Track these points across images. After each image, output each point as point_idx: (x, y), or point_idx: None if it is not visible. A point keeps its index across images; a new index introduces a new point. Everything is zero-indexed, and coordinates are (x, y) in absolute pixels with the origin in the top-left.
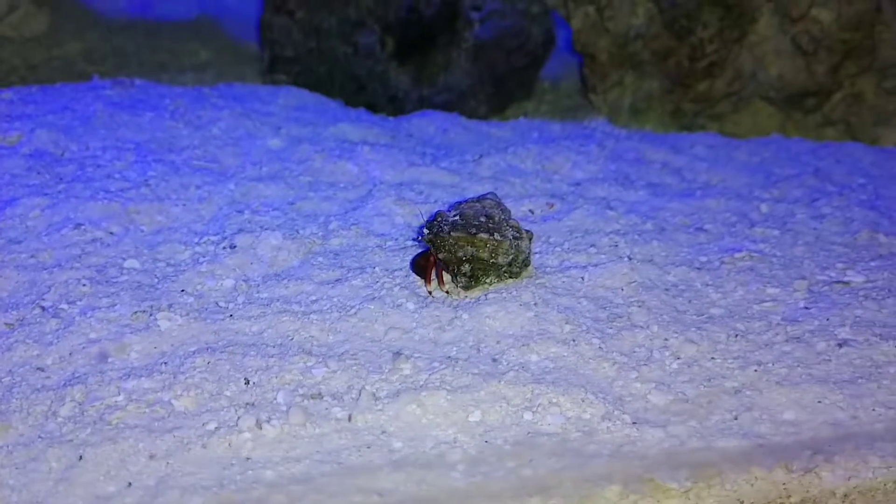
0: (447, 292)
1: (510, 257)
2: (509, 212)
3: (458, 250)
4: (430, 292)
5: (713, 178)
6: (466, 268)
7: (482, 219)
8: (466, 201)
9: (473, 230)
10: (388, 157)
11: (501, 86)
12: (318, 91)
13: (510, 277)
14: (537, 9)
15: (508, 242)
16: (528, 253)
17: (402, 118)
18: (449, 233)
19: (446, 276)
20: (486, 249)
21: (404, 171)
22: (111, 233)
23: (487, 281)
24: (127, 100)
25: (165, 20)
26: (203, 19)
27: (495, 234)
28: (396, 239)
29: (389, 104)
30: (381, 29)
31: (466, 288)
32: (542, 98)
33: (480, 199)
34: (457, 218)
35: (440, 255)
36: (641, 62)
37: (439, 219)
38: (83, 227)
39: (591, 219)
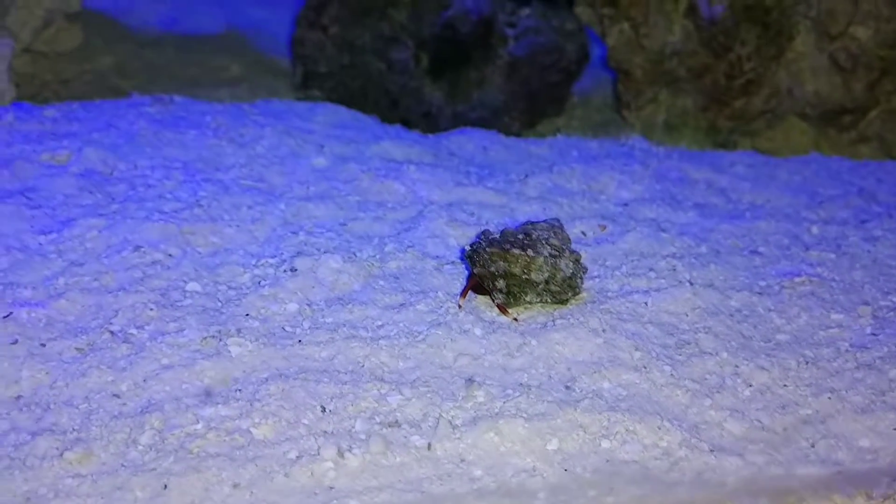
0: (515, 319)
1: (545, 275)
2: (567, 238)
3: (491, 265)
4: (459, 306)
5: (758, 199)
6: (501, 283)
7: (520, 236)
8: (521, 224)
9: (507, 245)
10: (434, 176)
11: (535, 102)
12: (352, 106)
13: (556, 302)
14: (572, 25)
15: (543, 259)
16: (573, 274)
17: (441, 136)
18: (485, 248)
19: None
20: (519, 265)
21: (451, 190)
22: (170, 255)
23: (527, 300)
24: (168, 117)
25: (194, 34)
26: (231, 33)
27: (528, 250)
28: (453, 262)
29: (423, 119)
30: (414, 45)
31: (503, 305)
32: (573, 113)
33: (535, 222)
34: (496, 235)
35: (475, 270)
36: (677, 79)
37: (482, 236)
38: (142, 249)
39: (646, 241)
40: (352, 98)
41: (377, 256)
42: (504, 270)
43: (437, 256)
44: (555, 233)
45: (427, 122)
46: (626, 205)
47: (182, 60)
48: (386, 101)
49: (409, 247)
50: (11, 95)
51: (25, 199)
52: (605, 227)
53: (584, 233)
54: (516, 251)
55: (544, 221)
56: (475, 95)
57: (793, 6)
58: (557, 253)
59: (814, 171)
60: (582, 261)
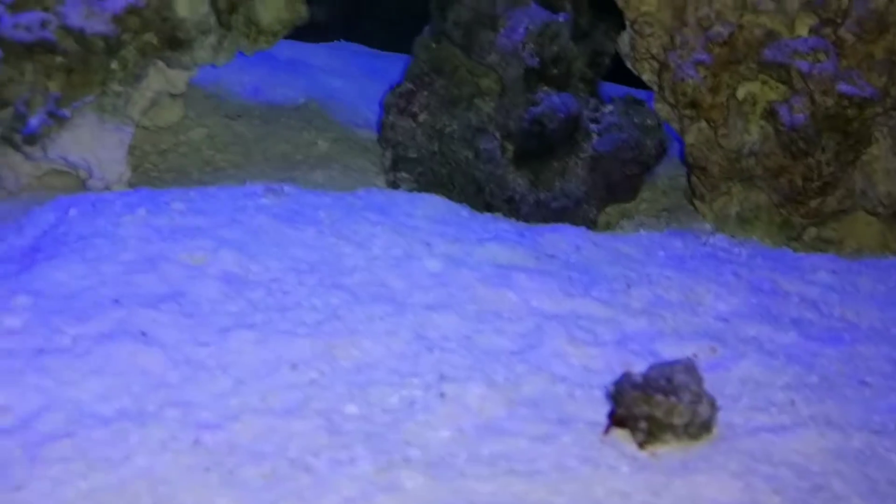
0: (653, 453)
1: (686, 419)
2: (701, 378)
3: (635, 408)
4: (601, 440)
5: (848, 312)
6: (643, 425)
7: (662, 381)
8: (659, 365)
9: (651, 391)
10: (542, 284)
11: (613, 192)
12: (439, 190)
13: (690, 439)
14: (651, 121)
15: (684, 406)
16: (710, 418)
17: (535, 233)
18: (629, 391)
19: (639, 436)
20: (661, 410)
21: (561, 301)
22: (322, 372)
23: (665, 438)
24: (284, 211)
25: (277, 104)
26: (311, 104)
27: (671, 396)
28: (582, 386)
29: (505, 204)
30: (501, 136)
31: (644, 442)
32: (641, 195)
33: (673, 364)
34: (639, 379)
35: (619, 411)
36: (752, 176)
37: (625, 378)
38: (298, 367)
39: (759, 369)
40: (439, 183)
41: (512, 379)
42: (647, 414)
43: (564, 378)
44: (692, 376)
45: (510, 207)
46: (726, 320)
47: (271, 134)
48: (472, 188)
49: (537, 368)
50: (128, 176)
51: (177, 305)
52: (716, 350)
53: (695, 354)
54: (660, 397)
55: (679, 363)
56: (557, 185)
57: (873, 117)
58: (697, 399)
59: None
60: (716, 403)
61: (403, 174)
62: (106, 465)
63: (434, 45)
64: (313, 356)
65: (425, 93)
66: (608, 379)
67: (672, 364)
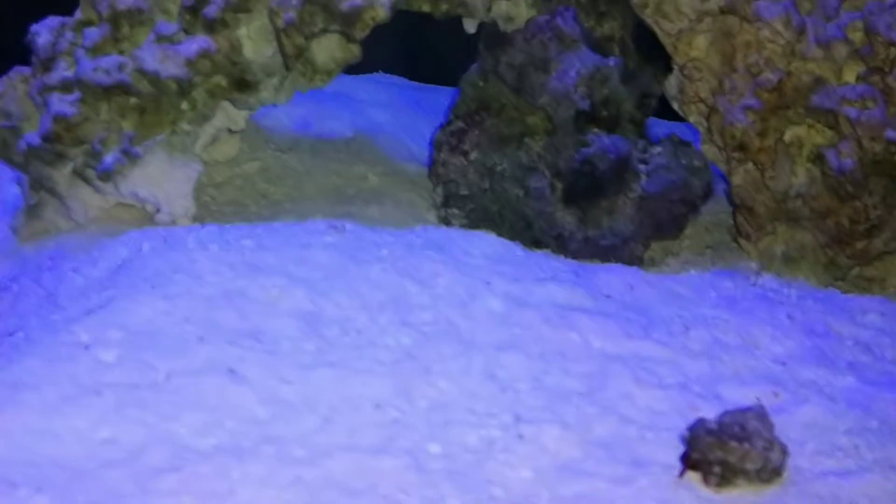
0: (718, 492)
1: (758, 465)
2: (771, 424)
3: (709, 453)
4: (679, 476)
5: None
6: (717, 469)
7: (736, 429)
8: (731, 411)
9: (725, 438)
10: (603, 326)
11: (659, 231)
12: (489, 226)
13: (762, 483)
14: (699, 162)
15: (757, 452)
16: (781, 464)
17: (590, 273)
18: (704, 437)
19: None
20: (735, 456)
21: (622, 343)
22: (403, 411)
23: (737, 483)
24: (347, 248)
25: (326, 137)
26: (360, 138)
27: (745, 443)
28: (651, 428)
29: (554, 241)
30: (551, 174)
31: (717, 486)
32: (683, 232)
33: (745, 410)
34: (714, 426)
35: (694, 455)
36: (798, 217)
37: (700, 424)
38: (381, 407)
39: (822, 414)
40: (489, 219)
41: (584, 420)
42: (721, 459)
43: (632, 421)
44: (764, 423)
45: (558, 243)
46: (784, 363)
47: (321, 168)
48: (521, 224)
49: (606, 410)
50: (193, 211)
51: (257, 342)
52: (778, 395)
53: (757, 398)
54: (734, 444)
55: (752, 410)
56: (605, 223)
57: None
58: (769, 446)
59: None
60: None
61: (455, 210)
62: (213, 499)
63: (482, 84)
64: (393, 395)
65: (476, 131)
66: (675, 421)
67: (744, 411)
